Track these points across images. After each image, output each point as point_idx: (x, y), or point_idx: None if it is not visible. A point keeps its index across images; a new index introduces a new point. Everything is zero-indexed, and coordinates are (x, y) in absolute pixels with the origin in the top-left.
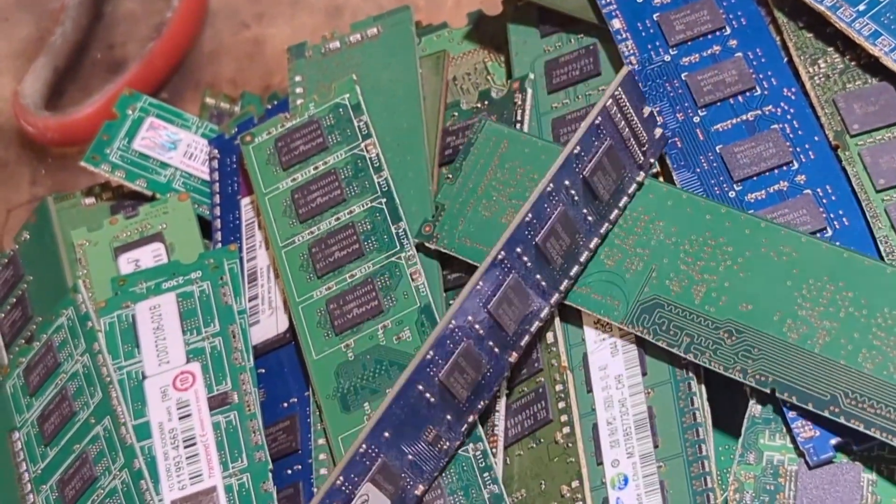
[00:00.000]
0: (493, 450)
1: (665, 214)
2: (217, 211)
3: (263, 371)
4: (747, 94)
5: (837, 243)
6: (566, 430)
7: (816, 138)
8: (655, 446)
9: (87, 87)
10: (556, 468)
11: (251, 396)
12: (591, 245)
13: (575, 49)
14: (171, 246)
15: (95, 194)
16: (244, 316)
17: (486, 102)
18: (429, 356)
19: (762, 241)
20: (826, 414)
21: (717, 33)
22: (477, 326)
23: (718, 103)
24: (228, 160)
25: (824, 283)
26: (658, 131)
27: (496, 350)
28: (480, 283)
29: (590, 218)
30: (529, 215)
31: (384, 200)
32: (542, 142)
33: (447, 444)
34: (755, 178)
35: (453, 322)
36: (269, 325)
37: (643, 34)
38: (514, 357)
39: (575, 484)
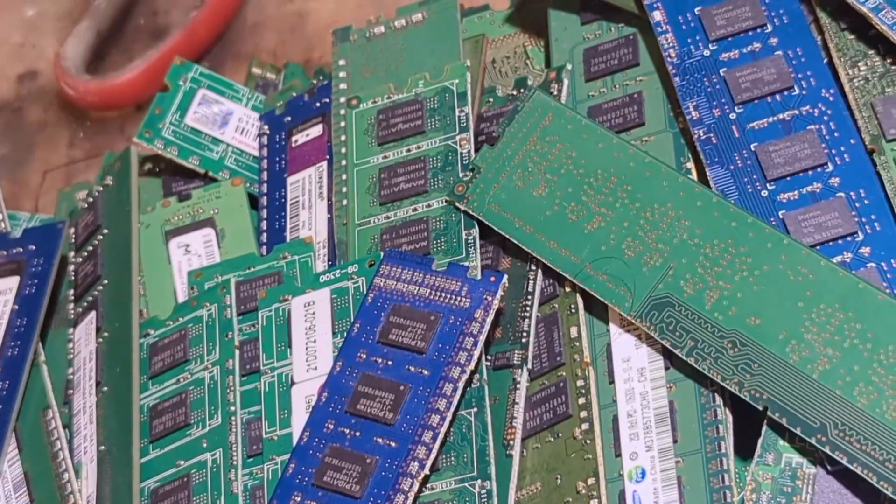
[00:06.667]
0: (511, 441)
1: (692, 214)
2: (264, 188)
3: None
4: (785, 93)
5: (854, 272)
6: (585, 426)
7: (852, 141)
8: (675, 441)
9: (129, 52)
10: (572, 463)
11: None
12: (447, 392)
13: (615, 38)
14: (222, 232)
15: (146, 169)
16: None
17: (521, 90)
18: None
19: (781, 257)
20: (812, 441)
21: (758, 30)
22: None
23: (756, 101)
24: (277, 137)
25: (835, 309)
26: (473, 271)
27: None
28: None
29: (424, 372)
30: (325, 393)
31: None
32: (586, 121)
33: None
34: (789, 178)
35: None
36: None
37: (683, 27)
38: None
39: (591, 481)
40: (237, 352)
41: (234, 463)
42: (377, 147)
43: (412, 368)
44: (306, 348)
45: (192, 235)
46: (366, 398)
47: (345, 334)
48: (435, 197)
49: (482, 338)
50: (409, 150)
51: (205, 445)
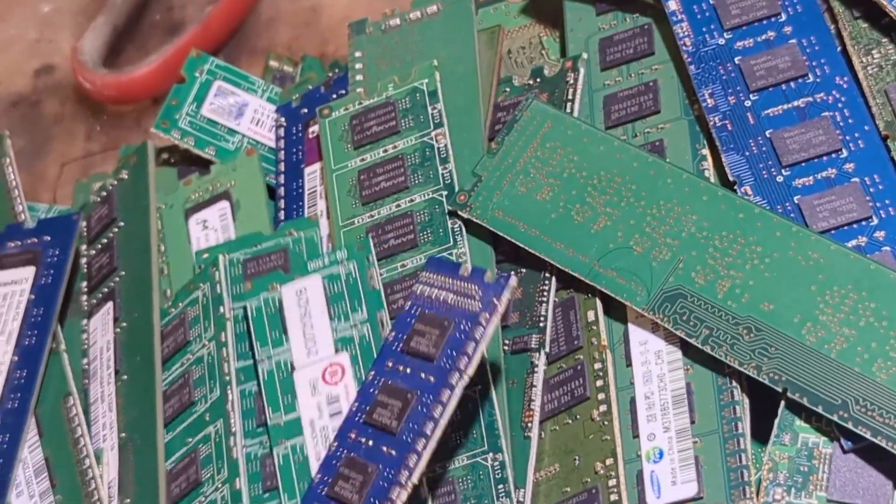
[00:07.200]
0: (529, 424)
1: (699, 209)
2: (281, 179)
3: None
4: (800, 80)
5: (867, 255)
6: (602, 408)
7: (867, 128)
8: (692, 422)
9: (144, 47)
10: (590, 445)
11: None
12: (444, 398)
13: (630, 28)
14: (237, 203)
15: (161, 160)
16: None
17: (538, 80)
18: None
19: (791, 244)
20: (835, 418)
21: (773, 19)
22: None
23: (770, 88)
24: (294, 129)
25: (848, 291)
26: (489, 275)
27: None
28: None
29: (431, 378)
30: (356, 403)
31: (445, 193)
32: (585, 125)
33: None
34: (804, 164)
35: None
36: None
37: (698, 17)
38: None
39: (609, 461)
40: (228, 323)
41: (234, 430)
42: (353, 151)
43: (423, 375)
44: (304, 334)
45: (209, 210)
46: (381, 407)
47: (341, 318)
48: (417, 192)
49: (484, 343)
50: (385, 151)
51: (207, 419)
